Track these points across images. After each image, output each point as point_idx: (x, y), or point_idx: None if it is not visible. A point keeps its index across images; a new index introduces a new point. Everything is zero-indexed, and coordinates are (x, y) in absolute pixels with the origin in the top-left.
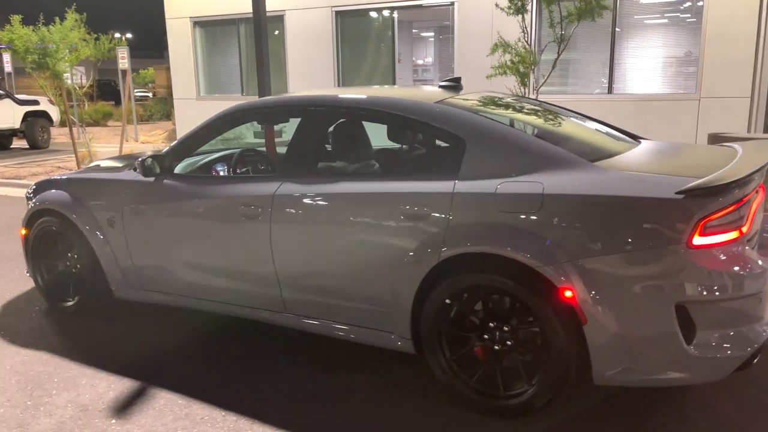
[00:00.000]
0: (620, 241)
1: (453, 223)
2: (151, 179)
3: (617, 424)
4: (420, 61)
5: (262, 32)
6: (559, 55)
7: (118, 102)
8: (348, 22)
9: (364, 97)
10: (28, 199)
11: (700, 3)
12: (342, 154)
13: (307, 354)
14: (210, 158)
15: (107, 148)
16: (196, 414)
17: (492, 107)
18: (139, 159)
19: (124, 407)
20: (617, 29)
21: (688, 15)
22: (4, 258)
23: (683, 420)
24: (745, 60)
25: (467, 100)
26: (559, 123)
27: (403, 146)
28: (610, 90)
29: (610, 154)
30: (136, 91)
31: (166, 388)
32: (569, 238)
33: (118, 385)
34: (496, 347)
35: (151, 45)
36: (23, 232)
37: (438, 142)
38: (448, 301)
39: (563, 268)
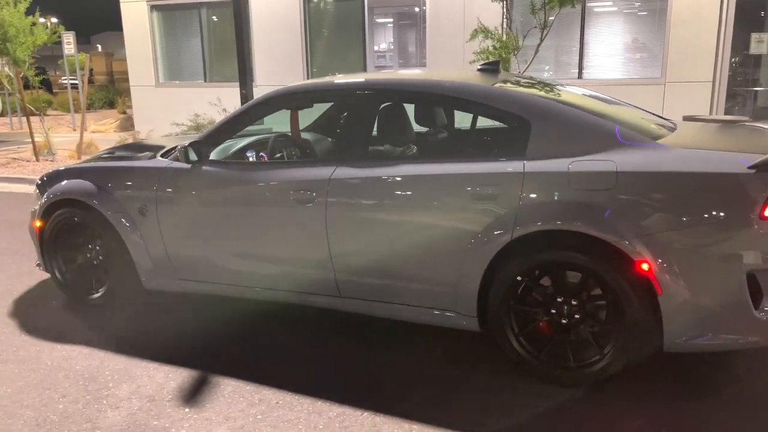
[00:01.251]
0: (695, 214)
1: (524, 202)
2: (189, 166)
3: (672, 385)
4: (376, 47)
5: (242, 15)
6: (542, 41)
7: (48, 89)
8: (316, 7)
9: (422, 80)
10: (40, 190)
11: None
12: (398, 137)
13: (362, 336)
14: (242, 143)
15: (59, 137)
16: (269, 399)
17: (540, 89)
18: (179, 146)
19: (192, 396)
20: (586, 16)
21: (654, 3)
22: None
23: (738, 381)
24: (707, 46)
25: (516, 82)
26: (606, 105)
27: (446, 128)
28: (580, 75)
29: (664, 134)
30: (67, 79)
31: (228, 376)
32: (644, 213)
33: (176, 375)
34: (568, 320)
35: (78, 30)
36: (38, 224)
37: (497, 123)
38: (519, 278)
39: (639, 242)
